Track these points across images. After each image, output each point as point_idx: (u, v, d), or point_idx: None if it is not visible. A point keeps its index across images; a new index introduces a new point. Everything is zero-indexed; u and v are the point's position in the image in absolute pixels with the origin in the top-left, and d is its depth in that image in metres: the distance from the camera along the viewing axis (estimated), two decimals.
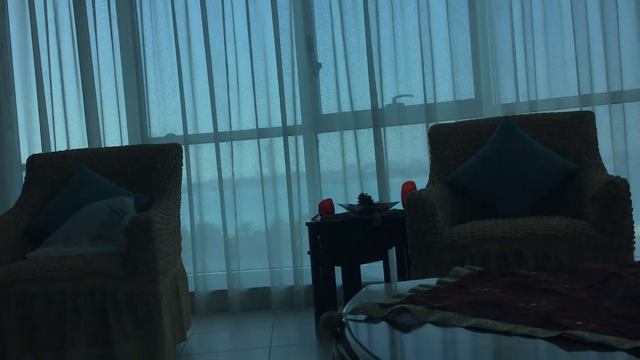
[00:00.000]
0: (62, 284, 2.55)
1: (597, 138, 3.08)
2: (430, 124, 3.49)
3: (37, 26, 3.82)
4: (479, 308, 1.39)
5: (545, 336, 1.21)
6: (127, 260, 2.59)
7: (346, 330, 1.38)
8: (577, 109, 3.42)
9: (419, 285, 1.69)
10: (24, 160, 3.72)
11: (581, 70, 3.47)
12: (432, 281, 1.78)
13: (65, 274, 2.55)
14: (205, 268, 3.79)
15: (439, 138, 3.25)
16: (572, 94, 3.51)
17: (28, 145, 3.90)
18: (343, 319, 1.44)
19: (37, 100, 3.84)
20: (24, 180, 3.32)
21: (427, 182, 3.16)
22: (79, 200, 3.02)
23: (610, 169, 3.32)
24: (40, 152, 3.72)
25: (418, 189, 3.06)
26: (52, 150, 3.79)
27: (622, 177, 2.52)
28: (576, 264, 1.79)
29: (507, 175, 2.93)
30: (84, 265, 2.58)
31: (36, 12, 3.82)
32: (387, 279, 3.35)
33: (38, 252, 2.84)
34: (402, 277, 3.17)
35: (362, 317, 1.45)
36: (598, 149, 3.04)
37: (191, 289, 3.55)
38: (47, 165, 3.30)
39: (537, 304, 1.41)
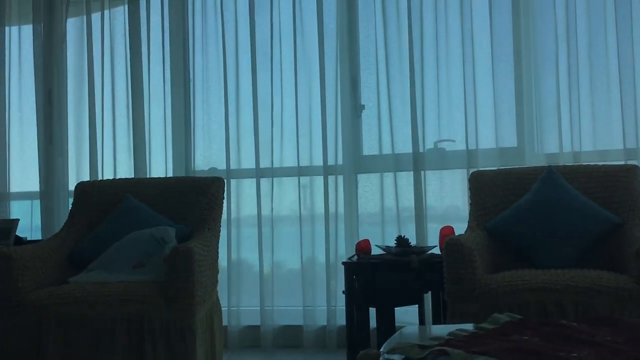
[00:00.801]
0: (100, 309, 2.60)
1: None
2: (471, 170, 3.48)
3: (94, 58, 3.98)
4: (518, 355, 1.38)
5: None
6: (166, 288, 2.63)
7: None
8: (622, 162, 3.37)
9: (457, 330, 1.68)
10: (71, 187, 3.82)
11: (627, 123, 3.43)
12: (469, 326, 1.76)
13: (105, 299, 2.61)
14: (239, 302, 3.80)
15: (479, 184, 3.24)
16: (617, 147, 3.47)
17: (76, 173, 4.02)
18: (380, 358, 1.44)
19: (88, 130, 3.97)
20: (70, 206, 3.42)
21: (464, 228, 3.14)
22: (123, 228, 3.08)
23: None
24: (88, 179, 3.83)
25: (456, 234, 3.04)
26: (100, 178, 3.90)
27: None
28: (617, 317, 1.76)
29: (548, 225, 2.90)
30: (123, 292, 2.64)
31: (93, 45, 3.99)
32: (422, 323, 3.31)
33: (80, 277, 2.91)
34: (437, 322, 3.13)
35: (399, 357, 1.45)
36: None
37: (224, 322, 3.57)
38: (94, 192, 3.39)
39: (577, 354, 1.39)
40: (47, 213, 3.97)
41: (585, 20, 3.53)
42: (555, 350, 1.42)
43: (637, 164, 3.31)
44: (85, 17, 4.02)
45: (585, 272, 2.57)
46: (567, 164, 3.31)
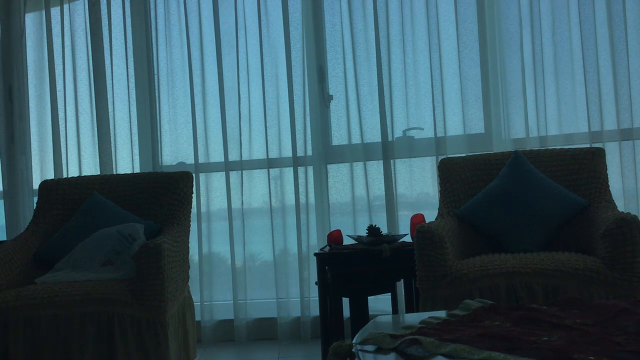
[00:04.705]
0: (69, 309, 2.55)
1: (607, 174, 3.08)
2: (440, 157, 3.50)
3: (54, 53, 3.89)
4: (490, 341, 1.39)
5: None
6: (135, 286, 2.59)
7: None
8: (587, 146, 3.43)
9: (429, 317, 1.69)
10: (36, 186, 3.74)
11: (591, 107, 3.49)
12: (441, 313, 1.77)
13: (73, 299, 2.56)
14: (212, 297, 3.78)
15: (448, 171, 3.26)
16: (582, 130, 3.52)
17: (40, 171, 3.94)
18: (353, 349, 1.43)
19: (51, 127, 3.89)
20: (35, 205, 3.35)
21: (434, 215, 3.15)
22: (90, 226, 3.03)
23: (621, 206, 3.31)
24: (53, 177, 3.75)
25: (427, 221, 3.05)
26: (65, 176, 3.82)
27: (632, 214, 2.51)
28: (586, 299, 1.78)
29: (516, 209, 2.93)
30: (92, 291, 2.58)
31: (54, 40, 3.90)
32: (395, 311, 3.33)
33: (47, 277, 2.85)
34: (410, 310, 3.14)
35: (372, 347, 1.45)
36: (608, 186, 3.04)
37: (197, 317, 3.54)
38: (59, 191, 3.32)
39: (548, 338, 1.41)
40: (11, 213, 3.88)
41: (548, 3, 3.57)
42: (526, 335, 1.43)
43: (602, 146, 3.36)
44: (44, 11, 3.92)
45: (554, 254, 2.60)
46: (533, 149, 3.34)
